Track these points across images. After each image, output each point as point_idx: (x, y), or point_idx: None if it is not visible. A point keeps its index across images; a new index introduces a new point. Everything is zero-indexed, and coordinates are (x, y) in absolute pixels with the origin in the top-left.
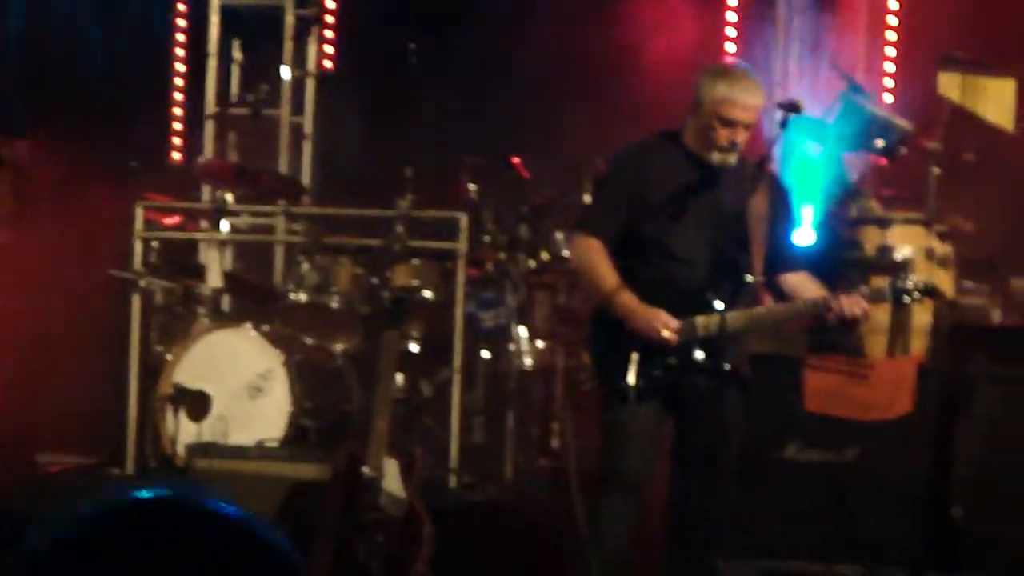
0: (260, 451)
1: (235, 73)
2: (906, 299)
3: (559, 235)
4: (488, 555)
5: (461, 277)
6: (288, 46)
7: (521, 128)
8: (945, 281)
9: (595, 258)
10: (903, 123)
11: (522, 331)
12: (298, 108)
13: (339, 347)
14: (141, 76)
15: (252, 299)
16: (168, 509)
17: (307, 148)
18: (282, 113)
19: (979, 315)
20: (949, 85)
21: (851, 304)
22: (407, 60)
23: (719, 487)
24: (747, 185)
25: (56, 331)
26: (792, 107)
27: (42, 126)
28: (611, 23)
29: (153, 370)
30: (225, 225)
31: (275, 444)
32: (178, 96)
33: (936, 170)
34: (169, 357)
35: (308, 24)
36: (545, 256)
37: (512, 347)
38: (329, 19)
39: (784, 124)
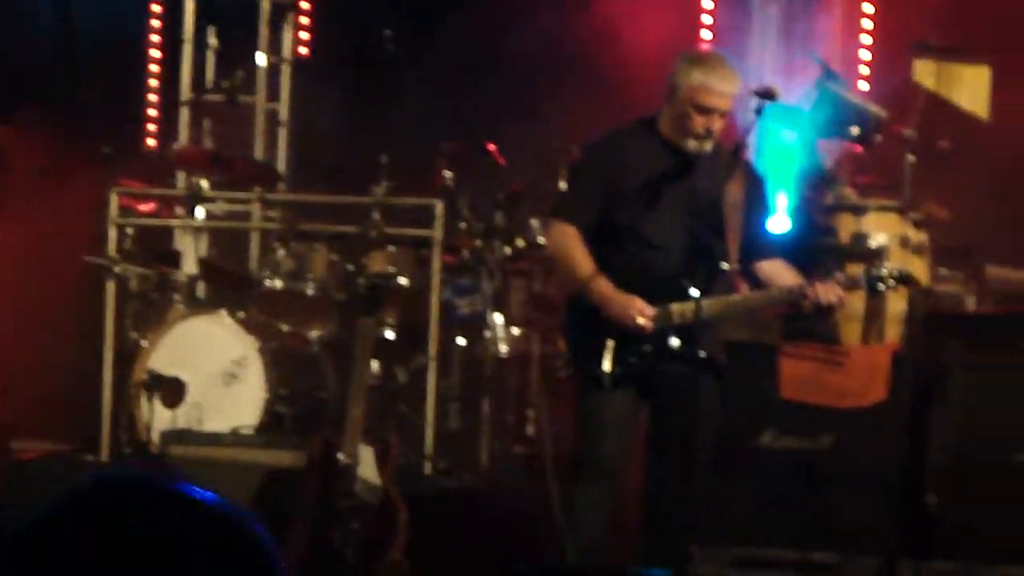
0: (235, 438)
1: (210, 59)
2: (881, 287)
3: (535, 222)
4: (464, 542)
5: (437, 264)
6: (263, 32)
7: (497, 115)
8: (920, 269)
9: (571, 245)
10: (878, 110)
11: (498, 318)
12: (273, 94)
13: (314, 334)
14: (116, 62)
15: (227, 286)
16: (143, 495)
17: (282, 135)
18: (257, 100)
19: (954, 303)
20: (924, 73)
21: (826, 291)
22: (383, 47)
23: (694, 474)
24: (722, 172)
25: (30, 318)
26: (767, 94)
27: (17, 113)
28: (588, 11)
29: (128, 357)
30: (200, 212)
31: (250, 431)
32: (153, 82)
33: (911, 158)
34: (144, 344)
35: (284, 10)
36: (521, 243)
37: (488, 334)
38: (304, 5)
39: (759, 111)
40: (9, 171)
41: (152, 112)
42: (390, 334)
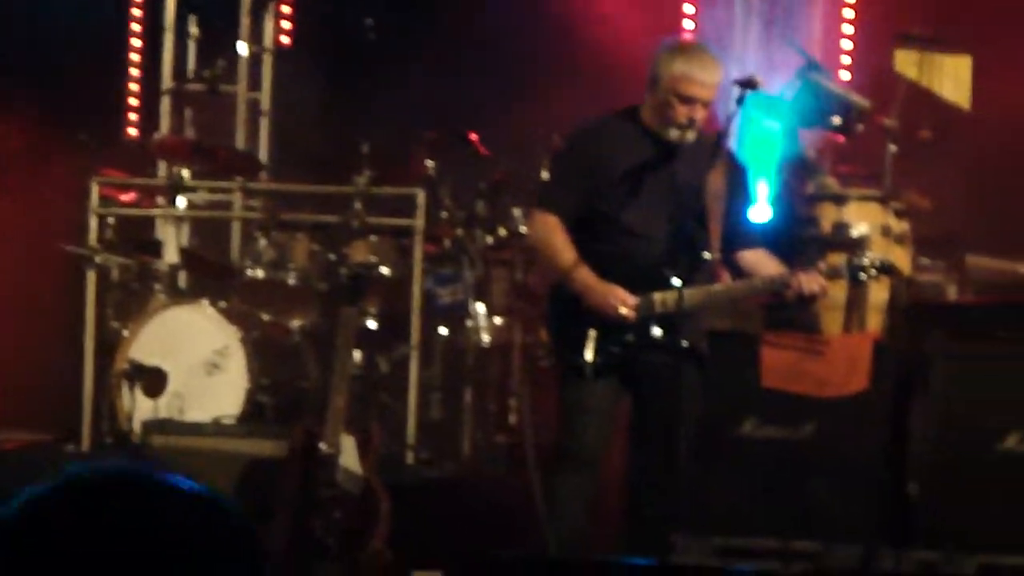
0: (217, 428)
1: (191, 48)
2: (863, 276)
3: (517, 211)
4: (445, 531)
5: (418, 253)
6: (245, 21)
7: (479, 104)
8: (901, 258)
9: (552, 234)
10: (860, 100)
11: (480, 307)
12: (255, 84)
13: (296, 323)
14: (97, 51)
15: (209, 275)
16: (125, 484)
17: (264, 124)
18: (239, 89)
19: (935, 292)
20: (906, 62)
21: (809, 281)
22: (364, 36)
23: (676, 464)
24: (704, 162)
25: (11, 307)
26: (749, 83)
27: None
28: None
29: (109, 346)
30: (181, 201)
31: (232, 421)
32: (134, 71)
33: (893, 147)
34: (125, 333)
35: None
36: (503, 232)
37: (470, 323)
38: None
39: (741, 100)
40: None
41: (133, 101)
42: (372, 324)
